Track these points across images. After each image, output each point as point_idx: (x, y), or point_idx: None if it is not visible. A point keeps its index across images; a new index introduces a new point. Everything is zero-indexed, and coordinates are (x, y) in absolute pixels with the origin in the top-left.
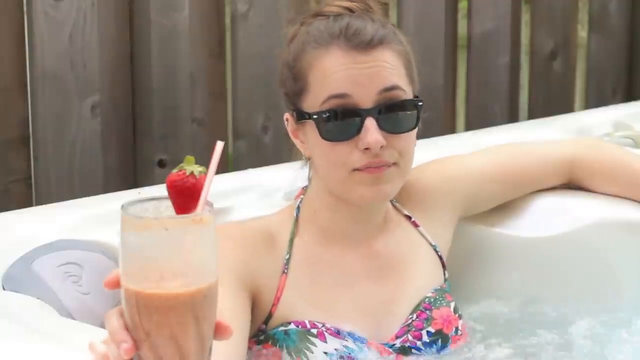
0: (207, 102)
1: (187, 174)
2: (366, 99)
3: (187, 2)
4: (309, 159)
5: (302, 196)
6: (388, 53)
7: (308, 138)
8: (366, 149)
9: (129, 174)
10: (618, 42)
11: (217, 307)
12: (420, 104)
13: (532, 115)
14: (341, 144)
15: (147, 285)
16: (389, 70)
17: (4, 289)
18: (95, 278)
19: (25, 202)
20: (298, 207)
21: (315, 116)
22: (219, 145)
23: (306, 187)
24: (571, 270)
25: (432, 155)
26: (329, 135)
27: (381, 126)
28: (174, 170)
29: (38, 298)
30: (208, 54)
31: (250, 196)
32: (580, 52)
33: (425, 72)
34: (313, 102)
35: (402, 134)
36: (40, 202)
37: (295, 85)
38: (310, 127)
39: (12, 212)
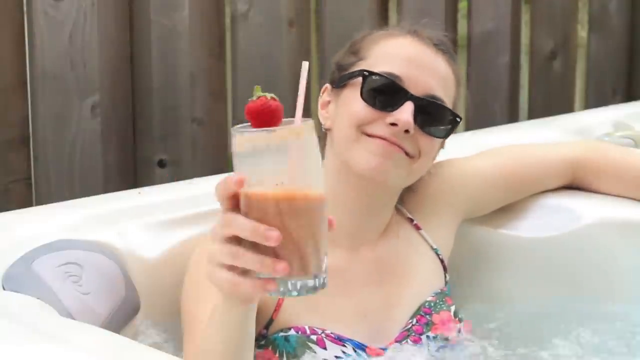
0: (207, 102)
1: (268, 98)
2: (417, 87)
3: (187, 2)
4: (327, 129)
5: None
6: (448, 66)
7: (339, 103)
8: (393, 124)
9: (129, 174)
10: (618, 42)
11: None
12: (458, 119)
13: (532, 115)
14: (372, 110)
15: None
16: (447, 78)
17: (4, 289)
18: (96, 278)
19: (25, 202)
20: None
21: (366, 73)
22: (305, 65)
23: None
24: (572, 269)
25: None
26: (368, 97)
27: (416, 116)
28: (252, 98)
29: (38, 298)
30: (208, 54)
31: None
32: (580, 52)
33: None
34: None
35: (429, 136)
36: (40, 202)
37: (350, 58)
38: (351, 89)
39: (12, 212)
